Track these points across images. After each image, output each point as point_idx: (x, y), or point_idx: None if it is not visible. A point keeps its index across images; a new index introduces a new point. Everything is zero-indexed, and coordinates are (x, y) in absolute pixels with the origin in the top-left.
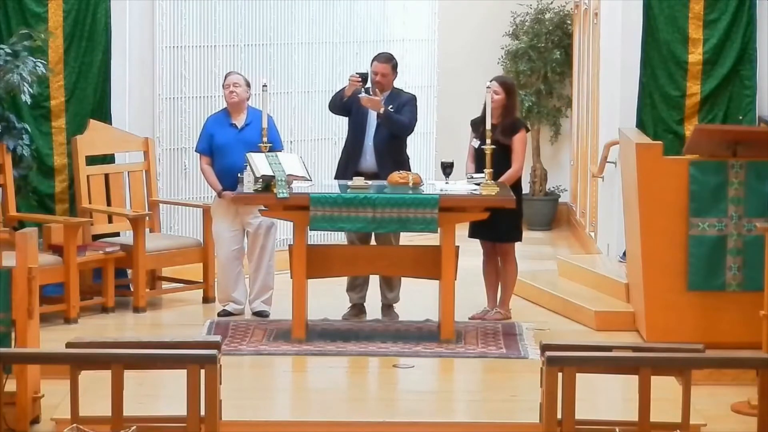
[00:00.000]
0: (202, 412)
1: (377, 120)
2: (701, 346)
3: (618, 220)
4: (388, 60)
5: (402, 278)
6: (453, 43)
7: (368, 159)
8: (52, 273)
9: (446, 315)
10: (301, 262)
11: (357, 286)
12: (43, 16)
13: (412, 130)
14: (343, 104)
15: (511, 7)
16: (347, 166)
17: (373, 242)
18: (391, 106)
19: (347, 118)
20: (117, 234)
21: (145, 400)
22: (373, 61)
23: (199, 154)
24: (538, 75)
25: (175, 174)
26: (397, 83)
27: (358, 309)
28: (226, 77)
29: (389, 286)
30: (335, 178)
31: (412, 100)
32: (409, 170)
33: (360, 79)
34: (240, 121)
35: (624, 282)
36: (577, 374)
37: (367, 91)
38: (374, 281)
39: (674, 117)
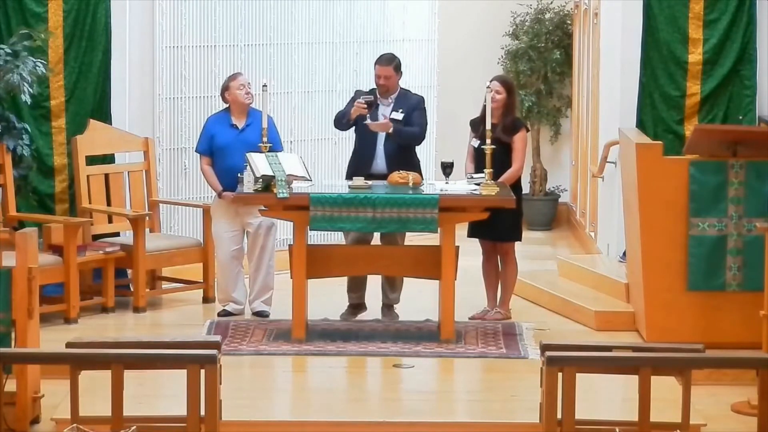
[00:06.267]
0: (202, 412)
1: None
2: (701, 346)
3: (618, 220)
4: (390, 61)
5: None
6: (453, 43)
7: (379, 163)
8: (52, 273)
9: (446, 315)
10: (301, 262)
11: (357, 288)
12: (43, 16)
13: (424, 137)
14: (349, 123)
15: (511, 6)
16: (357, 170)
17: (376, 242)
18: (401, 110)
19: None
20: (117, 234)
21: (145, 400)
22: (375, 64)
23: (199, 155)
24: (538, 75)
25: (175, 174)
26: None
27: (355, 307)
28: (235, 78)
29: (392, 286)
30: (346, 179)
31: (421, 102)
32: (421, 173)
33: (365, 105)
34: (241, 122)
35: (624, 282)
36: (577, 374)
37: (371, 92)
38: (372, 282)
39: (674, 117)
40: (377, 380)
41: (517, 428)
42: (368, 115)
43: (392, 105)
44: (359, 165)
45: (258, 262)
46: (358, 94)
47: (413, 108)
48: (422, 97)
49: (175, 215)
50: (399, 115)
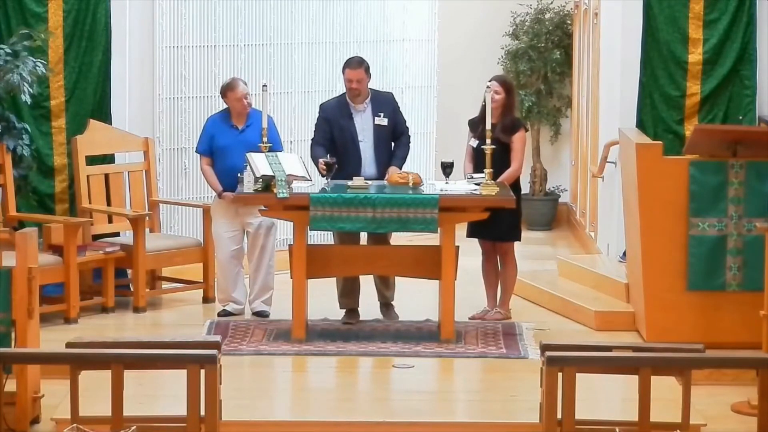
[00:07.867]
0: (202, 412)
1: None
2: (701, 346)
3: (618, 220)
4: (360, 64)
5: (399, 277)
6: (453, 43)
7: (368, 169)
8: (52, 273)
9: (446, 315)
10: (301, 262)
11: (351, 293)
12: (43, 16)
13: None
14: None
15: (511, 7)
16: (343, 175)
17: (363, 242)
18: (381, 113)
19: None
20: (117, 234)
21: (145, 400)
22: (344, 68)
23: (199, 155)
24: (538, 75)
25: (175, 174)
26: (399, 84)
27: (351, 312)
28: (233, 88)
29: (386, 285)
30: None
31: (395, 100)
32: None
33: (326, 168)
34: (241, 122)
35: (624, 282)
36: (577, 374)
37: (343, 105)
38: (364, 284)
39: (674, 117)
40: (377, 380)
41: (517, 428)
42: (329, 176)
43: (369, 109)
44: (346, 171)
45: (258, 262)
46: (324, 109)
47: (393, 110)
48: (392, 93)
49: (175, 215)
50: (383, 120)
